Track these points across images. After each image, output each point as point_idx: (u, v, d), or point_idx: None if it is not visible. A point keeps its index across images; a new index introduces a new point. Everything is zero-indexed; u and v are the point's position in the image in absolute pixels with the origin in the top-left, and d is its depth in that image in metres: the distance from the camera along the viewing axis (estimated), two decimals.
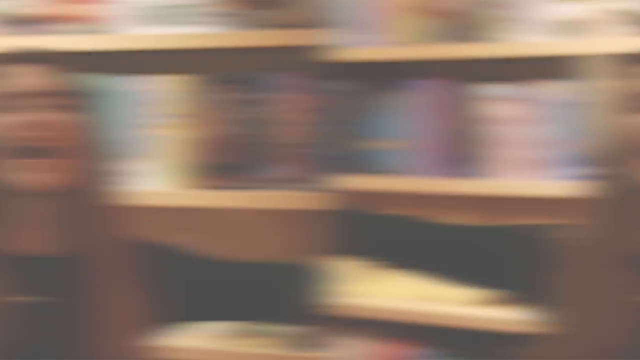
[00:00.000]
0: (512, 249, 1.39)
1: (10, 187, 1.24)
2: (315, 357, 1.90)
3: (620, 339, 1.26)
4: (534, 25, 1.87)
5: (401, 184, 1.94)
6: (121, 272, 1.30)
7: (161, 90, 1.81)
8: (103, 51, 1.77)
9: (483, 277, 1.43)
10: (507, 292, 1.46)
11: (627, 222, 1.30)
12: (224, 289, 1.38)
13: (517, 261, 1.38)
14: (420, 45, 1.91)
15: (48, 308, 1.26)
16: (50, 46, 1.34)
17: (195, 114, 1.83)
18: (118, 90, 1.78)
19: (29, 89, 1.24)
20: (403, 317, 1.96)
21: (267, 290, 1.40)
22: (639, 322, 1.26)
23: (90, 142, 1.30)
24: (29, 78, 1.26)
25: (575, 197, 1.38)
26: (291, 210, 1.85)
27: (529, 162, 1.89)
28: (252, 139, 1.85)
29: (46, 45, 1.34)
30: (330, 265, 1.60)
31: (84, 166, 1.28)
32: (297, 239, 1.79)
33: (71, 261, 1.28)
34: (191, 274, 1.37)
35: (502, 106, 1.91)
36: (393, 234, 1.43)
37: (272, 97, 1.86)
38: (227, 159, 1.86)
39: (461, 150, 1.93)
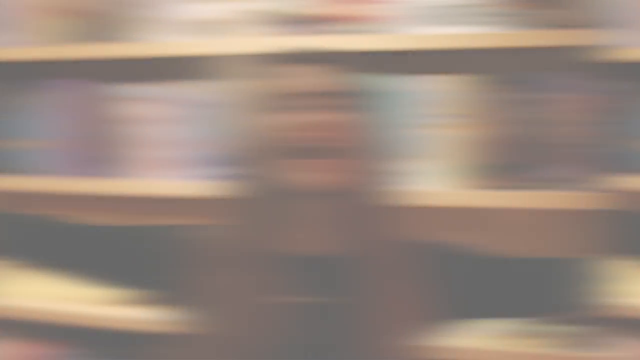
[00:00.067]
0: (151, 248, 1.37)
1: (287, 187, 1.27)
2: (592, 357, 1.79)
3: (258, 339, 1.26)
4: (170, 25, 1.87)
5: (39, 183, 1.94)
6: (397, 272, 1.31)
7: (440, 90, 1.80)
8: (380, 51, 1.79)
9: (122, 276, 1.41)
10: (146, 292, 1.41)
11: (265, 222, 1.29)
12: (502, 287, 1.35)
13: (155, 261, 1.36)
14: (55, 45, 1.92)
15: (325, 309, 1.29)
16: (329, 46, 1.38)
17: (474, 114, 1.81)
18: (395, 90, 1.78)
19: (308, 89, 1.27)
20: (43, 317, 1.95)
21: (542, 288, 1.36)
22: (276, 322, 1.26)
23: (366, 142, 1.32)
24: (307, 78, 1.28)
25: (214, 197, 1.39)
26: (566, 210, 1.78)
27: (167, 162, 1.89)
28: (529, 139, 1.80)
29: (324, 45, 1.38)
30: (605, 265, 1.54)
31: (359, 166, 1.30)
32: (572, 238, 1.74)
33: (348, 261, 1.30)
34: (470, 272, 1.35)
35: (139, 106, 1.90)
36: (32, 234, 1.41)
37: (547, 97, 1.80)
38: (504, 159, 1.82)
39: (98, 150, 1.92)
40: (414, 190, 1.78)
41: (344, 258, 1.30)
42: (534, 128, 1.82)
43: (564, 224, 1.83)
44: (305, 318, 1.28)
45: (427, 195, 1.80)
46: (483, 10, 1.80)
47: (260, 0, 1.86)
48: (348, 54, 1.35)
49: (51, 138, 1.96)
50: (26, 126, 1.98)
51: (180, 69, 1.91)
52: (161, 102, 1.90)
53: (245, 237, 1.31)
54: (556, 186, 1.80)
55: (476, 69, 1.83)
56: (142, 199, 1.96)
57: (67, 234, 1.43)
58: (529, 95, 1.81)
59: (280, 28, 1.83)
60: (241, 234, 1.31)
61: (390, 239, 1.33)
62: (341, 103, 1.27)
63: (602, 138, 1.82)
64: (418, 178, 1.82)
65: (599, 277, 1.41)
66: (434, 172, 1.83)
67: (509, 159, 1.82)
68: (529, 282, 1.39)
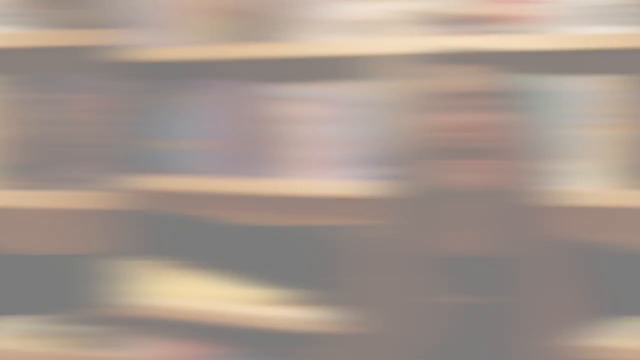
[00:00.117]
0: (306, 249, 1.39)
1: (443, 188, 1.28)
2: (110, 357, 1.72)
3: (413, 339, 1.27)
4: (326, 25, 1.85)
5: (194, 183, 1.94)
6: (553, 272, 1.32)
7: (596, 90, 1.79)
8: (536, 51, 1.78)
9: (277, 276, 1.43)
10: (301, 292, 1.42)
11: (421, 223, 1.30)
12: (21, 284, 1.35)
13: (310, 261, 1.38)
14: (212, 45, 1.92)
15: (481, 309, 1.31)
16: (483, 46, 1.39)
17: (627, 114, 1.79)
18: (550, 90, 1.78)
19: (464, 89, 1.28)
20: (200, 317, 1.93)
21: (59, 287, 1.37)
22: (431, 323, 1.27)
23: (519, 142, 1.33)
24: (463, 78, 1.30)
25: (369, 197, 1.40)
26: (83, 210, 1.83)
27: (322, 162, 1.88)
28: (44, 139, 1.85)
29: (481, 45, 1.39)
30: (125, 265, 1.53)
31: (516, 166, 1.31)
32: (88, 238, 1.77)
33: (504, 262, 1.31)
34: (622, 271, 1.34)
35: (294, 106, 1.89)
36: (187, 234, 1.37)
37: (62, 97, 1.86)
38: (20, 159, 1.86)
39: (253, 150, 1.92)
40: (568, 190, 1.75)
41: (500, 258, 1.31)
42: (49, 128, 1.84)
43: (80, 223, 1.88)
44: (460, 318, 1.29)
45: (581, 195, 1.78)
46: (12, 11, 1.87)
47: (416, 0, 1.86)
48: (502, 53, 1.36)
49: (206, 138, 1.98)
50: (182, 126, 2.00)
51: (336, 69, 1.92)
52: (316, 102, 1.91)
53: (401, 237, 1.33)
54: (72, 185, 1.83)
55: (627, 69, 1.81)
56: (297, 199, 1.96)
57: (221, 234, 1.46)
58: (44, 95, 1.85)
59: (436, 28, 1.83)
60: (397, 234, 1.33)
61: (544, 239, 1.33)
62: (496, 103, 1.28)
63: (117, 138, 1.86)
64: (573, 178, 1.80)
65: (114, 277, 1.42)
66: (588, 172, 1.81)
67: (25, 158, 1.87)
68: (46, 280, 1.38)
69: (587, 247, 1.37)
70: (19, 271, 1.51)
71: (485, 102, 1.27)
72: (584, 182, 1.80)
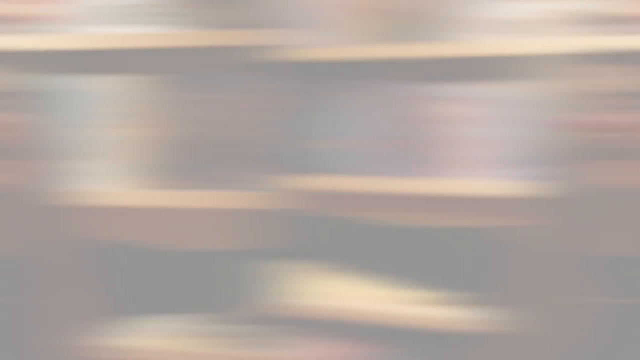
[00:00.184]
0: (464, 250, 1.37)
1: (597, 188, 1.31)
2: (265, 357, 1.79)
3: (570, 339, 1.32)
4: (481, 25, 1.86)
5: (351, 184, 1.93)
6: (73, 272, 1.33)
7: (113, 90, 1.81)
8: (52, 51, 1.78)
9: (433, 277, 1.40)
10: (456, 292, 1.43)
11: (575, 223, 1.33)
12: (176, 285, 1.36)
13: (467, 262, 1.36)
14: (368, 45, 1.91)
15: (630, 309, 1.30)
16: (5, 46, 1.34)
17: (146, 114, 1.84)
18: (68, 90, 1.76)
19: (617, 90, 1.24)
20: (354, 317, 1.92)
21: (214, 287, 1.40)
22: (587, 323, 1.32)
23: (39, 142, 1.32)
24: (617, 78, 1.25)
25: (524, 197, 1.43)
26: (238, 210, 1.83)
27: (478, 162, 1.88)
28: (201, 139, 1.86)
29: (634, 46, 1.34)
30: (280, 265, 1.60)
31: (34, 166, 1.31)
32: (244, 238, 1.79)
33: (28, 261, 1.31)
34: (144, 270, 1.38)
35: (450, 106, 1.90)
36: (343, 235, 1.42)
37: (219, 97, 1.87)
38: (176, 159, 1.89)
39: (410, 150, 1.92)
40: (84, 190, 1.77)
41: (23, 258, 1.32)
42: (206, 128, 1.85)
43: (236, 223, 1.87)
44: (613, 318, 1.31)
45: (101, 196, 1.80)
46: (157, 11, 1.84)
47: (571, 0, 1.83)
48: (19, 53, 1.33)
49: (362, 138, 1.95)
50: (338, 126, 1.97)
51: (492, 69, 1.90)
52: (472, 102, 1.90)
53: (555, 237, 1.34)
54: (228, 185, 1.85)
55: (149, 69, 1.85)
56: (453, 199, 1.90)
57: (374, 235, 1.48)
58: (202, 95, 1.85)
59: (591, 28, 1.81)
60: (551, 234, 1.34)
61: (62, 238, 1.35)
62: (15, 103, 1.29)
63: (273, 138, 1.88)
64: (92, 178, 1.82)
65: (269, 277, 1.46)
66: (107, 172, 1.84)
67: (181, 159, 1.87)
68: (202, 280, 1.42)
69: (107, 247, 1.40)
70: (175, 271, 1.32)
71: (637, 102, 1.26)
72: (103, 182, 1.84)
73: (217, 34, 1.83)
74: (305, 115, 2.00)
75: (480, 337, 1.47)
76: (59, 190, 1.39)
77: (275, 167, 1.89)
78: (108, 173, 1.86)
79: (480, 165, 1.87)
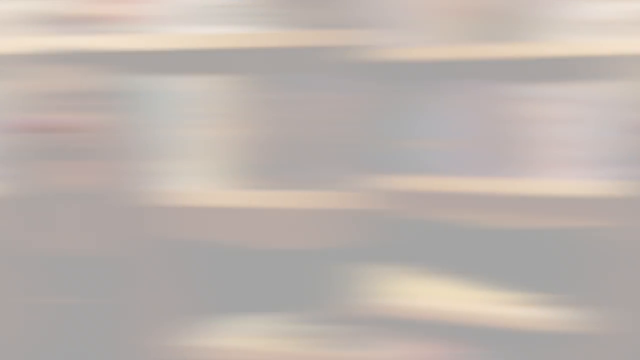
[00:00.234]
0: (551, 250, 1.33)
1: (59, 188, 1.29)
2: (351, 357, 1.83)
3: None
4: (569, 25, 1.84)
5: (439, 184, 1.91)
6: (161, 272, 1.32)
7: (202, 90, 1.82)
8: (141, 51, 1.80)
9: (521, 278, 1.36)
10: (546, 293, 1.38)
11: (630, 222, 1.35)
12: (265, 285, 1.34)
13: (555, 262, 1.31)
14: (457, 45, 1.89)
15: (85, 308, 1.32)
16: (90, 46, 1.37)
17: (236, 114, 1.86)
18: (156, 91, 1.77)
19: (65, 89, 1.29)
20: (441, 317, 1.90)
21: (304, 287, 1.38)
22: None
23: (127, 143, 1.31)
24: (63, 78, 1.30)
25: (611, 197, 1.42)
26: (327, 210, 1.82)
27: (565, 162, 1.85)
28: (290, 139, 1.85)
29: (87, 46, 1.37)
30: (366, 265, 1.57)
31: (120, 167, 1.30)
32: (332, 238, 1.78)
33: (114, 262, 1.33)
34: (233, 271, 1.35)
35: (538, 106, 1.87)
36: (431, 236, 1.39)
37: (308, 97, 1.87)
38: (266, 160, 1.88)
39: (498, 150, 1.90)
40: (175, 190, 1.78)
41: (108, 258, 1.32)
42: (293, 128, 1.85)
43: (323, 223, 1.87)
44: None
45: (187, 196, 1.82)
46: (245, 11, 1.84)
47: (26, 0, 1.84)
48: (106, 53, 1.34)
49: (450, 138, 1.95)
50: (426, 126, 1.97)
51: (579, 69, 1.91)
52: (559, 102, 1.90)
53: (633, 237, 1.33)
54: (316, 185, 1.84)
55: (237, 69, 1.84)
56: (540, 199, 1.89)
57: (462, 235, 1.49)
58: (288, 95, 1.85)
59: (43, 28, 1.83)
60: (630, 235, 1.34)
61: (150, 239, 1.36)
62: (101, 104, 1.29)
63: (361, 138, 1.87)
64: (178, 178, 1.84)
65: (355, 277, 1.44)
66: (193, 172, 1.86)
67: (267, 159, 1.86)
68: (289, 280, 1.41)
69: (193, 247, 1.39)
70: (261, 270, 1.40)
71: (89, 102, 1.29)
72: (189, 182, 1.85)
73: (306, 34, 1.84)
74: (392, 115, 1.98)
75: (564, 337, 1.40)
76: (146, 190, 1.39)
77: (362, 167, 1.88)
78: (194, 173, 1.85)
79: (564, 165, 1.85)
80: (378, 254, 1.61)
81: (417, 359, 1.96)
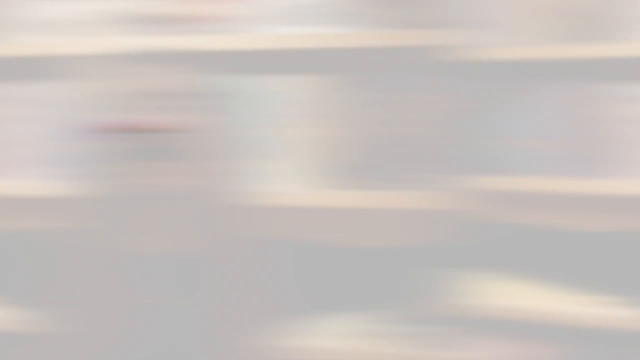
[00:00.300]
0: (621, 252, 1.30)
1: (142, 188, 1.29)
2: (440, 357, 1.79)
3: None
4: (27, 25, 1.82)
5: (531, 184, 1.89)
6: (254, 272, 1.33)
7: (295, 90, 1.83)
8: (233, 51, 1.79)
9: (606, 279, 1.34)
10: (627, 294, 1.35)
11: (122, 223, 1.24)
12: (356, 286, 1.35)
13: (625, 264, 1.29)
14: (547, 44, 1.88)
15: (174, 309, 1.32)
16: (182, 46, 1.38)
17: (329, 114, 1.85)
18: (249, 91, 1.80)
19: (160, 90, 1.30)
20: (529, 317, 1.88)
21: (394, 288, 1.37)
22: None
23: (221, 143, 1.32)
24: (161, 78, 1.30)
25: (67, 197, 1.31)
26: (419, 210, 1.80)
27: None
28: (383, 139, 1.84)
29: (178, 46, 1.38)
30: (454, 265, 1.55)
31: (214, 167, 1.31)
32: (424, 238, 1.77)
33: (204, 261, 1.33)
34: (325, 270, 1.35)
35: (630, 106, 1.86)
36: (521, 238, 1.37)
37: (402, 97, 1.86)
38: (359, 159, 1.87)
39: (592, 150, 1.89)
40: (268, 190, 1.80)
41: (198, 258, 1.32)
42: (385, 128, 1.85)
43: (414, 223, 1.86)
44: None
45: (280, 195, 1.82)
46: (337, 11, 1.83)
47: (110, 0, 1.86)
48: (198, 54, 1.36)
49: (542, 138, 1.95)
50: (518, 126, 1.98)
51: (35, 68, 1.89)
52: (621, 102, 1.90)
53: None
54: (409, 185, 1.83)
55: (329, 69, 1.86)
56: (631, 200, 1.89)
57: (549, 236, 1.51)
58: (380, 96, 1.84)
59: (132, 28, 1.85)
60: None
61: (244, 239, 1.36)
62: (194, 104, 1.30)
63: (454, 138, 1.86)
64: (271, 178, 1.85)
65: (446, 278, 1.42)
66: (286, 172, 1.86)
67: (359, 159, 1.86)
68: (376, 281, 1.40)
69: (285, 247, 1.39)
70: (351, 270, 1.45)
71: (182, 102, 1.30)
72: (282, 182, 1.85)
73: (397, 33, 1.82)
74: (482, 115, 1.97)
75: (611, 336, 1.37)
76: (237, 190, 1.39)
77: (451, 167, 1.84)
78: (285, 173, 1.85)
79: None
80: (465, 254, 1.58)
81: (503, 359, 1.95)
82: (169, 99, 1.31)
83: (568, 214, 1.84)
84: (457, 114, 1.88)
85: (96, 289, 1.33)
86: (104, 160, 1.34)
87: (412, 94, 1.86)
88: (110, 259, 1.34)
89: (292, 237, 1.54)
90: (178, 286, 1.35)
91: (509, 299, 1.91)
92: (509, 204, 1.89)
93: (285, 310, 1.43)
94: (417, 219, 1.89)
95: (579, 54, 1.86)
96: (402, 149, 1.87)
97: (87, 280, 1.34)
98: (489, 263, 1.64)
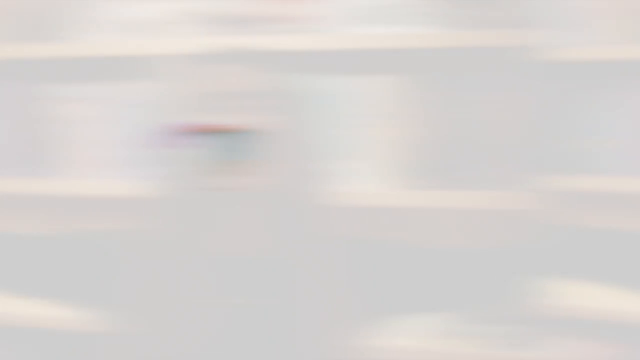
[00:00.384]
0: None
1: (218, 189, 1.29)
2: (522, 357, 1.77)
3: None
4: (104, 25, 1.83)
5: (609, 184, 1.85)
6: (334, 271, 1.32)
7: (372, 90, 1.83)
8: (311, 51, 1.79)
9: None
10: None
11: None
12: (436, 285, 1.35)
13: None
14: (627, 44, 1.85)
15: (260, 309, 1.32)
16: (261, 46, 1.38)
17: (406, 114, 1.84)
18: (328, 91, 1.81)
19: (239, 90, 1.29)
20: (607, 317, 1.85)
21: (475, 288, 1.36)
22: None
23: (300, 143, 1.32)
24: (237, 78, 1.30)
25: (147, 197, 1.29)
26: (500, 210, 1.79)
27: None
28: (461, 139, 1.83)
29: (257, 46, 1.38)
30: (531, 266, 1.53)
31: (294, 167, 1.31)
32: (505, 238, 1.75)
33: (284, 262, 1.33)
34: (405, 271, 1.35)
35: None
36: (597, 239, 1.36)
37: (479, 97, 1.85)
38: (437, 159, 1.86)
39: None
40: (346, 190, 1.79)
41: (278, 259, 1.32)
42: (461, 128, 1.83)
43: (492, 223, 1.85)
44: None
45: (361, 196, 1.81)
46: (414, 11, 1.82)
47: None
48: (277, 53, 1.33)
49: (619, 138, 1.93)
50: (594, 126, 1.96)
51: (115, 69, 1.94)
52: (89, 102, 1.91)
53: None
54: (483, 185, 1.82)
55: (407, 69, 1.84)
56: None
57: (625, 238, 1.50)
58: (462, 95, 1.83)
59: (214, 28, 1.85)
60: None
61: (324, 238, 1.35)
62: (271, 104, 1.29)
63: (530, 138, 1.83)
64: (348, 178, 1.84)
65: (525, 278, 1.41)
66: (363, 172, 1.84)
67: (440, 159, 1.85)
68: (455, 280, 1.40)
69: (363, 246, 1.38)
70: (430, 270, 1.47)
71: (259, 102, 1.29)
72: (361, 182, 1.84)
73: (478, 33, 1.80)
74: (564, 115, 1.97)
75: None
76: (317, 190, 1.39)
77: (530, 167, 1.82)
78: (365, 173, 1.85)
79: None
80: (542, 254, 1.57)
81: (581, 359, 1.95)
82: (250, 99, 1.30)
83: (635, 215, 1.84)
84: (536, 113, 1.86)
85: (177, 291, 1.33)
86: (184, 161, 1.34)
87: (490, 94, 1.85)
88: (189, 259, 1.33)
89: (369, 237, 1.53)
90: (257, 287, 1.35)
91: (587, 300, 1.89)
92: (588, 204, 1.86)
93: (368, 310, 1.42)
94: (495, 219, 1.88)
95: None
96: (480, 148, 1.85)
97: (165, 281, 1.34)
98: (566, 263, 1.63)
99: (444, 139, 1.86)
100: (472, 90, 1.85)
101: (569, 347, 1.94)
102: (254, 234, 1.37)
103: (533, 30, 1.85)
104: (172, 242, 1.38)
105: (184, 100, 1.39)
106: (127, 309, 1.39)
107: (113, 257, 1.42)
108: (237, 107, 1.39)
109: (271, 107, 1.40)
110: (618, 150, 1.91)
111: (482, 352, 1.82)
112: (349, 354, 1.40)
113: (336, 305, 1.36)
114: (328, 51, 1.81)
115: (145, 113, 1.81)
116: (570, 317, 1.90)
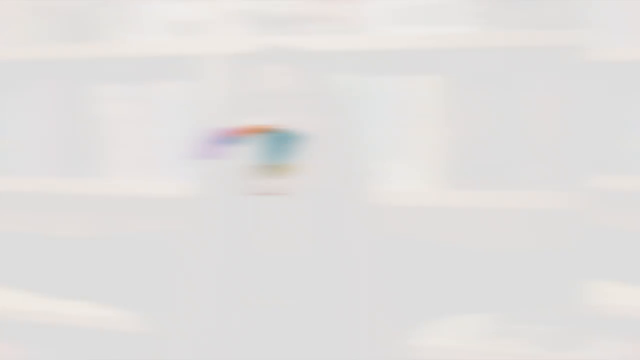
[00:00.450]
0: None
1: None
2: (569, 357, 1.82)
3: None
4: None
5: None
6: (381, 271, 1.33)
7: (415, 90, 1.82)
8: (355, 51, 1.78)
9: None
10: None
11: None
12: (482, 285, 1.36)
13: None
14: None
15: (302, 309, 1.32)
16: (304, 46, 1.38)
17: (448, 115, 1.83)
18: (372, 91, 1.81)
19: (284, 89, 1.30)
20: None
21: (520, 287, 1.37)
22: None
23: (345, 143, 1.34)
24: (281, 79, 1.31)
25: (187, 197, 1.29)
26: (543, 210, 1.77)
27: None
28: (505, 139, 1.81)
29: (301, 45, 1.38)
30: (577, 266, 1.52)
31: (340, 167, 1.32)
32: (548, 238, 1.73)
33: (330, 261, 1.33)
34: (449, 270, 1.36)
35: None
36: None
37: (522, 97, 1.81)
38: (480, 160, 1.85)
39: None
40: (389, 189, 1.78)
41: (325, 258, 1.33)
42: (510, 128, 1.83)
43: (541, 224, 1.83)
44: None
45: (405, 195, 1.80)
46: (461, 10, 1.81)
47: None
48: (321, 53, 1.35)
49: None
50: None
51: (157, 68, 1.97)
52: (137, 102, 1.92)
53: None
54: (528, 186, 1.81)
55: (454, 69, 1.84)
56: None
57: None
58: (504, 95, 1.82)
59: (259, 28, 1.86)
60: None
61: (372, 238, 1.36)
62: (316, 104, 1.30)
63: (579, 138, 1.81)
64: (393, 178, 1.83)
65: (569, 278, 1.40)
66: (407, 171, 1.83)
67: (481, 159, 1.84)
68: (507, 281, 1.40)
69: (408, 246, 1.39)
70: (476, 270, 1.48)
71: (303, 103, 1.30)
72: (406, 181, 1.85)
73: (522, 33, 1.78)
74: (606, 116, 1.95)
75: None
76: (362, 190, 1.39)
77: (575, 167, 1.80)
78: (407, 173, 1.86)
79: None
80: (588, 255, 1.55)
81: (626, 359, 1.94)
82: (294, 99, 1.30)
83: None
84: (581, 113, 1.85)
85: (220, 292, 1.33)
86: (228, 163, 1.34)
87: (534, 94, 1.83)
88: (233, 262, 1.34)
89: (415, 237, 1.52)
90: (304, 289, 1.35)
91: (632, 300, 1.88)
92: (633, 205, 1.84)
93: (414, 311, 1.42)
94: (539, 219, 1.87)
95: None
96: (524, 149, 1.84)
97: (208, 283, 1.34)
98: (611, 264, 1.61)
99: (487, 139, 1.84)
100: (516, 90, 1.84)
101: (615, 348, 1.93)
102: (298, 235, 1.37)
103: (579, 30, 1.83)
104: (216, 244, 1.38)
105: (229, 101, 1.39)
106: (170, 310, 1.39)
107: (157, 258, 1.43)
108: (281, 108, 1.39)
109: (315, 107, 1.40)
110: None
111: (529, 353, 1.82)
112: (399, 354, 1.39)
113: (385, 305, 1.36)
114: (372, 51, 1.81)
115: (190, 113, 1.81)
116: (616, 318, 1.90)
